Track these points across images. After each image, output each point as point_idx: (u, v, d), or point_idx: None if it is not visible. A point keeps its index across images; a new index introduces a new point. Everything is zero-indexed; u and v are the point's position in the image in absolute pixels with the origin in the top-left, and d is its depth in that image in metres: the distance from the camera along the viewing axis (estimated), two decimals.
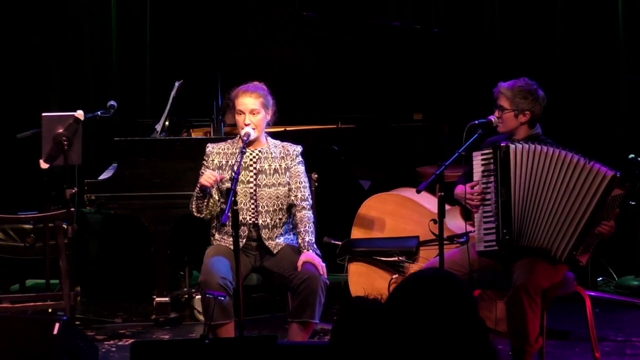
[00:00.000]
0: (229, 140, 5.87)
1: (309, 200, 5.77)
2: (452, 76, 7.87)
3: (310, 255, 5.58)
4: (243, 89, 5.72)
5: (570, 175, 5.34)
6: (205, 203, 5.60)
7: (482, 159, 5.49)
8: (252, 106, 5.67)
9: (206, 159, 5.78)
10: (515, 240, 5.41)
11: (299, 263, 5.55)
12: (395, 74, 7.57)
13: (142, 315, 7.10)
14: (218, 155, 5.76)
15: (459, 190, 5.57)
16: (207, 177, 5.51)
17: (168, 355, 4.64)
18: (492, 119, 5.54)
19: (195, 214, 5.67)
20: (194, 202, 5.65)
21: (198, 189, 5.58)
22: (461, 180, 5.64)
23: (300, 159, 5.81)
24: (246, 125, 5.65)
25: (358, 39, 7.48)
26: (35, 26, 8.41)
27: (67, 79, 8.49)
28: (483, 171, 5.49)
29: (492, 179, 5.46)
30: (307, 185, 5.80)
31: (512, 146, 5.41)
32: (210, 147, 5.85)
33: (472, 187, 5.49)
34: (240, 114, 5.68)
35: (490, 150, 5.46)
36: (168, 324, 6.82)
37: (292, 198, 5.73)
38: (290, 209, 5.76)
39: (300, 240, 5.66)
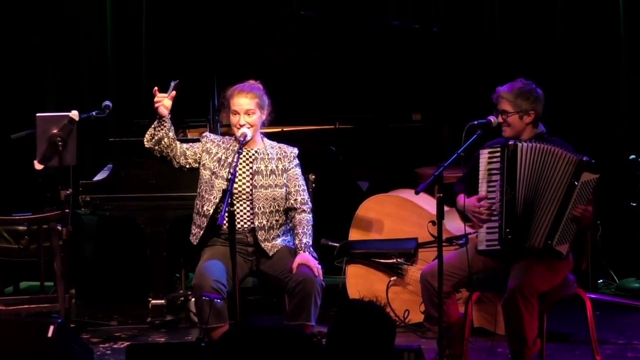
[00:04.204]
0: (226, 136, 5.84)
1: (309, 203, 5.74)
2: (451, 76, 7.84)
3: (305, 257, 5.54)
4: (238, 89, 5.69)
5: (554, 168, 5.36)
6: (156, 134, 5.63)
7: (489, 157, 5.46)
8: (247, 106, 5.63)
9: (202, 139, 5.77)
10: (518, 240, 5.37)
11: (294, 265, 5.51)
12: (394, 74, 7.53)
13: (138, 318, 7.06)
14: (213, 144, 5.73)
15: (461, 201, 5.53)
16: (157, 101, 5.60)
17: (164, 358, 4.61)
18: (492, 120, 5.52)
19: (145, 142, 5.70)
20: (148, 131, 5.69)
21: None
22: (459, 187, 5.61)
23: (297, 161, 5.77)
24: (241, 125, 5.61)
25: (356, 38, 7.45)
26: (31, 26, 8.38)
27: (62, 79, 8.45)
28: (489, 169, 5.46)
29: (497, 177, 5.43)
30: (306, 188, 5.77)
31: (519, 145, 5.39)
32: (206, 133, 5.91)
33: (478, 201, 5.46)
34: (235, 114, 5.65)
35: (498, 149, 5.43)
36: (164, 326, 6.78)
37: (292, 202, 5.69)
38: (288, 211, 5.71)
39: (297, 242, 5.62)
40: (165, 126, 5.62)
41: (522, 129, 5.53)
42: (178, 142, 5.70)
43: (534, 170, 5.38)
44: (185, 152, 5.69)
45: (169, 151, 5.67)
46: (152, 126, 5.65)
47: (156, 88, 5.64)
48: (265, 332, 3.14)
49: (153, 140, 5.65)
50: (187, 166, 5.73)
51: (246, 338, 3.14)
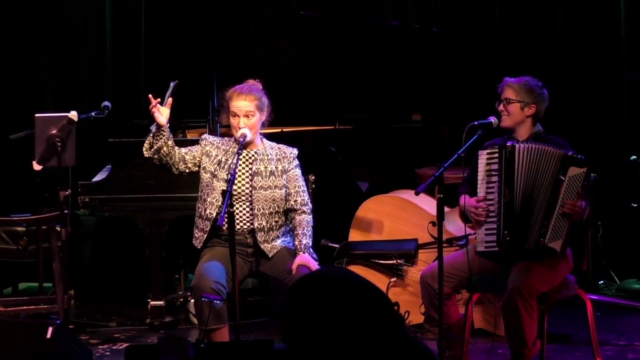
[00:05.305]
0: (225, 138, 5.82)
1: (309, 204, 5.71)
2: (451, 76, 7.83)
3: (305, 258, 5.51)
4: (238, 91, 5.66)
5: (545, 166, 5.36)
6: (155, 143, 5.58)
7: (487, 158, 5.45)
8: (246, 109, 5.61)
9: (201, 142, 5.73)
10: (516, 242, 5.36)
11: (294, 266, 5.48)
12: (394, 74, 7.51)
13: (137, 319, 7.05)
14: (212, 146, 5.70)
15: (462, 201, 5.52)
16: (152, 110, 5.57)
17: None
18: (492, 120, 5.51)
19: (144, 151, 5.66)
20: (146, 141, 5.65)
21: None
22: (463, 189, 5.59)
23: (297, 162, 5.74)
24: (240, 128, 5.59)
25: (356, 38, 7.43)
26: (29, 26, 8.36)
27: (61, 80, 8.43)
28: (487, 170, 5.45)
29: (495, 179, 5.42)
30: (306, 188, 5.75)
31: (517, 146, 5.37)
32: (205, 135, 5.87)
33: (477, 202, 5.45)
34: (235, 117, 5.63)
35: (496, 150, 5.42)
36: (163, 327, 6.76)
37: (292, 203, 5.67)
38: (288, 212, 5.69)
39: (297, 243, 5.59)
40: (163, 135, 5.58)
41: (520, 121, 5.53)
42: (177, 148, 5.66)
43: (530, 171, 5.37)
44: (185, 157, 5.66)
45: (168, 159, 5.63)
46: (151, 135, 5.61)
47: (151, 95, 5.60)
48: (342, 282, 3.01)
49: (152, 149, 5.61)
50: (187, 171, 5.70)
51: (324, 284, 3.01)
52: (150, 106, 5.58)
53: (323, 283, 2.97)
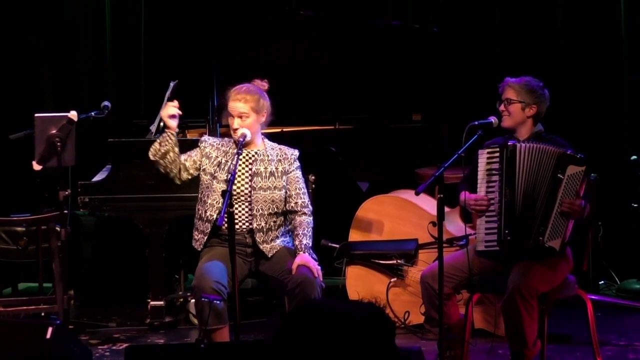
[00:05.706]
0: (225, 138, 5.81)
1: (310, 206, 5.70)
2: (451, 76, 7.82)
3: (305, 258, 5.50)
4: (236, 91, 5.65)
5: (546, 166, 5.35)
6: (162, 148, 5.55)
7: (488, 158, 5.44)
8: (241, 110, 5.59)
9: (200, 144, 5.71)
10: (517, 241, 5.35)
11: (294, 266, 5.47)
12: (394, 74, 7.51)
13: (137, 319, 7.04)
14: (212, 148, 5.69)
15: (462, 197, 5.52)
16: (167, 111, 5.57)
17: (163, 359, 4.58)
18: (493, 120, 5.50)
19: (150, 155, 5.63)
20: (153, 144, 5.63)
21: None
22: (463, 187, 5.58)
23: (298, 163, 5.73)
24: (235, 129, 5.58)
25: (356, 38, 7.42)
26: (29, 26, 8.36)
27: (60, 80, 8.43)
28: (487, 170, 5.44)
29: (496, 178, 5.41)
30: (306, 190, 5.74)
31: (518, 145, 5.36)
32: (205, 137, 5.84)
33: (476, 200, 5.44)
34: (232, 117, 5.62)
35: (497, 149, 5.41)
36: (163, 328, 6.76)
37: (292, 204, 5.65)
38: (288, 214, 5.67)
39: (297, 243, 5.58)
40: (171, 140, 5.56)
41: (521, 121, 5.52)
42: (180, 157, 5.63)
43: (531, 170, 5.36)
44: (186, 165, 5.63)
45: (173, 167, 5.59)
46: (158, 141, 5.58)
47: (176, 102, 5.59)
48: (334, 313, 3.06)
49: (159, 154, 5.59)
50: (190, 177, 5.68)
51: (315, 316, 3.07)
52: (174, 112, 5.55)
53: (311, 316, 3.01)
